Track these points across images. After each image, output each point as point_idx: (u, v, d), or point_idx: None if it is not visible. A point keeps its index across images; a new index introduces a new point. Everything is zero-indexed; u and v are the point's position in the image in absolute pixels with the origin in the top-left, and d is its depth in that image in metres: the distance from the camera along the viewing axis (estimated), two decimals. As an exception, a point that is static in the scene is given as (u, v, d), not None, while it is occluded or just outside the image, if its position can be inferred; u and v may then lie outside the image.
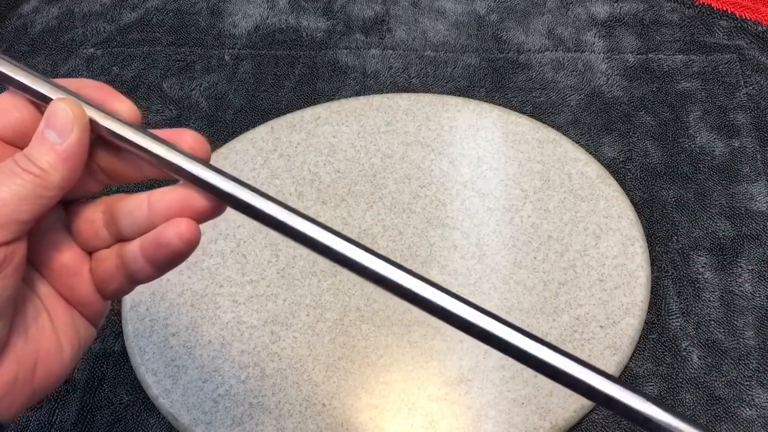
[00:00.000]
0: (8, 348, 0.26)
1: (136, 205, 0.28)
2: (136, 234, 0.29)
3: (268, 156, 0.55)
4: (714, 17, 0.62)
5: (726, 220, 0.53)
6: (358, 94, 0.59)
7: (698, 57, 0.60)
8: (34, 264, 0.28)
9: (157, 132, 0.27)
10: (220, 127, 0.57)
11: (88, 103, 0.27)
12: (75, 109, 0.26)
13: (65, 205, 0.30)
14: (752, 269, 0.51)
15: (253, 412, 0.46)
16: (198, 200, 0.27)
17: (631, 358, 0.47)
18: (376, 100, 0.57)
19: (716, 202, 0.54)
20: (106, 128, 0.27)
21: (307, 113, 0.57)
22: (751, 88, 0.59)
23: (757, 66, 0.60)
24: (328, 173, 0.54)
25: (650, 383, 0.47)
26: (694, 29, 0.62)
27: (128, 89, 0.60)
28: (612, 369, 0.46)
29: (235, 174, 0.54)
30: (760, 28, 0.62)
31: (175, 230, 0.27)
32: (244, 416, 0.45)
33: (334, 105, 0.57)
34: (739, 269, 0.51)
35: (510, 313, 0.48)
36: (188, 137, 0.28)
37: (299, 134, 0.56)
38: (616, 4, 0.63)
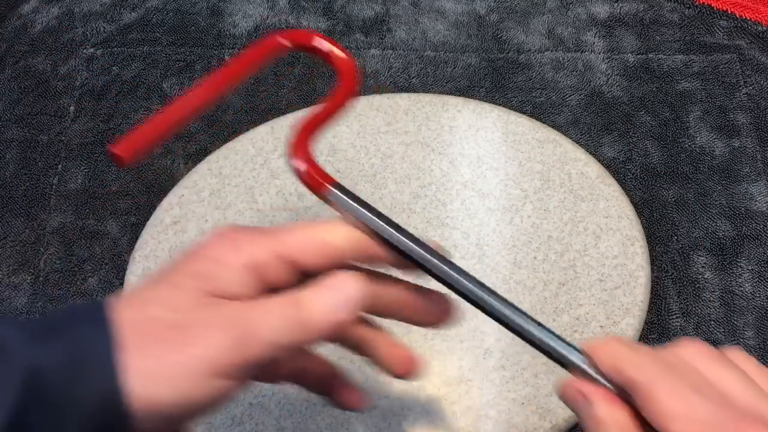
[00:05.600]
0: None
1: None
2: None
3: (268, 156, 0.55)
4: (714, 17, 0.62)
5: (726, 220, 0.53)
6: (357, 94, 0.59)
7: (698, 57, 0.60)
8: None
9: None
10: (220, 127, 0.57)
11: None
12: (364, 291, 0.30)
13: None
14: (752, 269, 0.51)
15: (253, 412, 0.46)
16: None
17: (631, 358, 0.47)
18: (376, 100, 0.57)
19: (716, 202, 0.54)
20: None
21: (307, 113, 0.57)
22: (751, 88, 0.59)
23: (757, 66, 0.60)
24: (329, 173, 0.54)
25: (650, 383, 0.47)
26: (694, 29, 0.62)
27: (128, 89, 0.60)
28: (612, 369, 0.46)
29: (234, 174, 0.54)
30: (760, 28, 0.62)
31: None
32: (244, 416, 0.45)
33: (334, 105, 0.57)
34: (739, 269, 0.51)
35: (510, 313, 0.48)
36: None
37: (299, 134, 0.56)
38: (616, 4, 0.63)
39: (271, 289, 0.29)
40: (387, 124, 0.56)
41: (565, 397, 0.30)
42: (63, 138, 0.58)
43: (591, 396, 0.28)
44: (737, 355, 0.29)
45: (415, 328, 0.48)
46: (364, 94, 0.59)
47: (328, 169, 0.55)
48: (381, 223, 0.31)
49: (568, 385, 0.29)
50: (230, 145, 0.56)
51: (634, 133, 0.57)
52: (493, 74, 0.60)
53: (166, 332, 0.27)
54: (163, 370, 0.26)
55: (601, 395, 0.28)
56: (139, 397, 0.26)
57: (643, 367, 0.27)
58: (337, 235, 0.31)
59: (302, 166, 0.32)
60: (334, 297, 0.29)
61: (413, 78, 0.60)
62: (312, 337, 0.29)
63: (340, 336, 0.33)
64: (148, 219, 0.53)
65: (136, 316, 0.27)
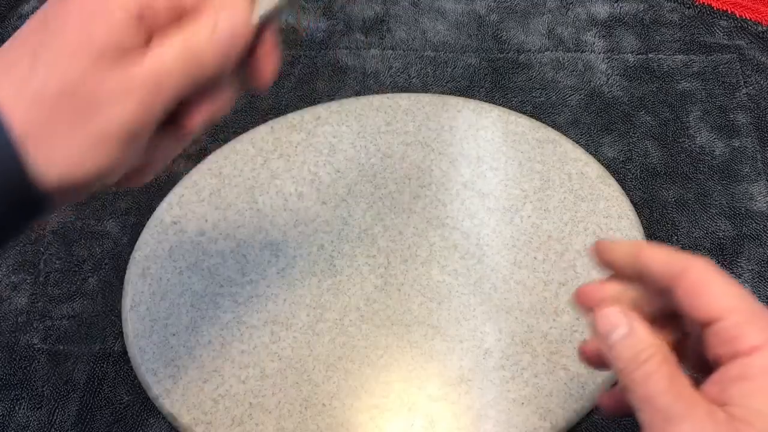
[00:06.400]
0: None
1: None
2: None
3: (268, 156, 0.55)
4: (714, 17, 0.62)
5: (726, 220, 0.53)
6: (358, 94, 0.59)
7: (698, 57, 0.60)
8: None
9: None
10: (220, 127, 0.57)
11: None
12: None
13: None
14: (752, 269, 0.51)
15: (253, 412, 0.46)
16: None
17: (631, 358, 0.47)
18: (376, 100, 0.57)
19: (716, 202, 0.54)
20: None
21: (307, 113, 0.57)
22: (751, 88, 0.59)
23: (757, 66, 0.60)
24: (328, 173, 0.54)
25: (650, 383, 0.47)
26: (694, 29, 0.62)
27: (128, 89, 0.60)
28: (612, 369, 0.46)
29: (234, 174, 0.54)
30: (760, 28, 0.62)
31: None
32: (244, 416, 0.45)
33: (334, 105, 0.57)
34: (739, 269, 0.51)
35: (510, 313, 0.48)
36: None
37: (299, 134, 0.56)
38: (616, 4, 0.63)
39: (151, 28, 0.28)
40: (387, 124, 0.56)
41: (600, 323, 0.30)
42: (63, 138, 0.58)
43: (631, 320, 0.29)
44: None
45: (415, 327, 0.48)
46: (364, 94, 0.59)
47: (328, 169, 0.55)
48: None
49: (604, 314, 0.30)
50: (230, 145, 0.56)
51: (634, 133, 0.57)
52: (493, 74, 0.60)
53: (69, 106, 0.26)
54: (73, 148, 0.26)
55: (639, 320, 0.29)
56: (51, 180, 0.26)
57: (692, 259, 0.29)
58: None
59: None
60: (229, 21, 0.28)
61: (413, 78, 0.60)
62: (218, 70, 0.29)
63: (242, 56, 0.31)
64: (148, 219, 0.53)
65: (30, 93, 0.26)
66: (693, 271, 0.29)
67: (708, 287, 0.28)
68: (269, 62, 0.32)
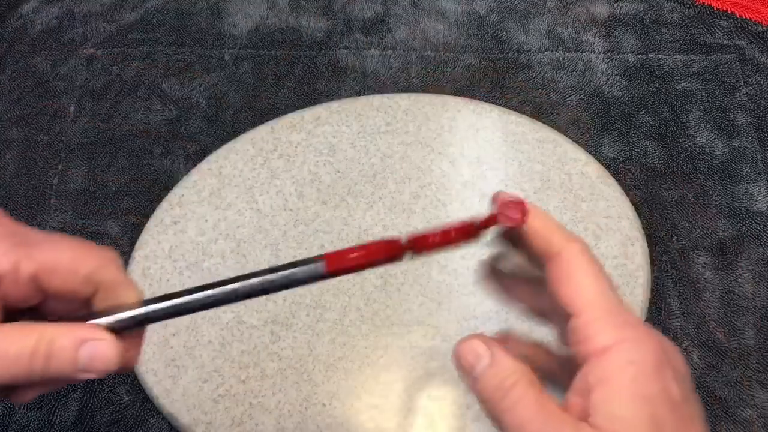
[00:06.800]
0: None
1: None
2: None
3: (268, 156, 0.55)
4: (714, 17, 0.62)
5: (726, 220, 0.53)
6: (358, 94, 0.59)
7: (698, 57, 0.60)
8: None
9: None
10: (220, 127, 0.57)
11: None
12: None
13: None
14: (752, 269, 0.51)
15: (253, 412, 0.46)
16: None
17: (631, 358, 0.47)
18: (376, 100, 0.57)
19: (716, 202, 0.54)
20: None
21: (307, 113, 0.57)
22: (751, 88, 0.59)
23: (757, 66, 0.60)
24: (328, 173, 0.54)
25: (650, 383, 0.47)
26: (694, 29, 0.62)
27: (128, 89, 0.60)
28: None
29: (235, 174, 0.54)
30: (760, 28, 0.62)
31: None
32: (244, 416, 0.45)
33: (334, 105, 0.57)
34: (739, 269, 0.51)
35: (510, 312, 0.48)
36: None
37: (299, 134, 0.56)
38: (616, 4, 0.63)
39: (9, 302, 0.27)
40: (387, 124, 0.56)
41: (463, 357, 0.28)
42: (63, 138, 0.58)
43: (492, 348, 0.27)
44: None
45: (415, 327, 0.48)
46: (364, 94, 0.59)
47: (328, 169, 0.55)
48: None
49: (466, 347, 0.28)
50: (230, 145, 0.56)
51: (634, 133, 0.57)
52: (493, 74, 0.60)
53: None
54: None
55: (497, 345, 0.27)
56: None
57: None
58: (90, 261, 0.28)
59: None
60: (86, 352, 0.27)
61: (413, 78, 0.60)
62: (52, 381, 0.27)
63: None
64: (148, 219, 0.53)
65: None
66: (565, 254, 0.27)
67: (573, 277, 0.27)
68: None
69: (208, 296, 0.28)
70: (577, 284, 0.27)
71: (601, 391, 0.25)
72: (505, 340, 0.31)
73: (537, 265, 0.29)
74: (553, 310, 0.28)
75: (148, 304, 0.28)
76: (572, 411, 0.25)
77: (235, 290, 0.28)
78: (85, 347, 0.26)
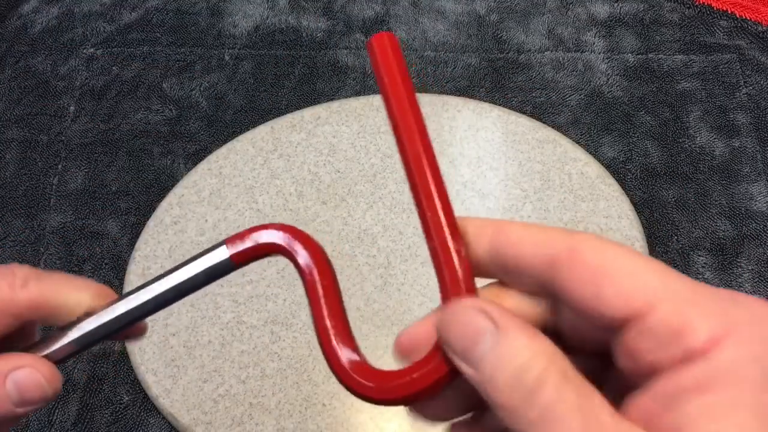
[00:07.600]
0: None
1: None
2: None
3: (268, 156, 0.55)
4: (714, 17, 0.62)
5: (726, 220, 0.53)
6: (358, 94, 0.59)
7: (698, 57, 0.60)
8: None
9: None
10: (220, 127, 0.57)
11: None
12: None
13: None
14: (752, 269, 0.51)
15: (253, 412, 0.46)
16: None
17: (631, 358, 0.47)
18: (376, 100, 0.57)
19: (716, 202, 0.54)
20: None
21: (307, 113, 0.57)
22: (751, 88, 0.59)
23: (757, 66, 0.60)
24: (328, 173, 0.54)
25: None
26: (694, 29, 0.62)
27: (128, 89, 0.60)
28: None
29: (234, 174, 0.54)
30: (760, 28, 0.62)
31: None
32: (244, 416, 0.45)
33: (334, 105, 0.57)
34: (739, 269, 0.51)
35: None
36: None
37: (299, 134, 0.56)
38: (616, 4, 0.63)
39: None
40: (387, 124, 0.56)
41: (453, 332, 0.19)
42: (63, 138, 0.58)
43: (500, 317, 0.18)
44: None
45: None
46: (364, 94, 0.59)
47: (328, 169, 0.55)
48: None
49: (457, 317, 0.19)
50: (230, 145, 0.56)
51: (634, 133, 0.57)
52: (493, 74, 0.60)
53: None
54: None
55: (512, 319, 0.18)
56: None
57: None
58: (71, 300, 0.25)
59: None
60: (11, 386, 0.23)
61: (413, 78, 0.60)
62: None
63: None
64: (148, 219, 0.53)
65: None
66: (583, 250, 0.19)
67: (615, 270, 0.18)
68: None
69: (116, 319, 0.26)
70: (626, 274, 0.18)
71: (705, 401, 0.17)
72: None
73: (538, 291, 0.21)
74: (583, 340, 0.20)
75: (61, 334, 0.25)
76: (640, 422, 0.17)
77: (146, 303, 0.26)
78: (8, 380, 0.23)
